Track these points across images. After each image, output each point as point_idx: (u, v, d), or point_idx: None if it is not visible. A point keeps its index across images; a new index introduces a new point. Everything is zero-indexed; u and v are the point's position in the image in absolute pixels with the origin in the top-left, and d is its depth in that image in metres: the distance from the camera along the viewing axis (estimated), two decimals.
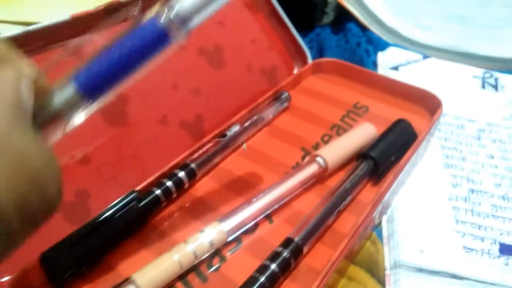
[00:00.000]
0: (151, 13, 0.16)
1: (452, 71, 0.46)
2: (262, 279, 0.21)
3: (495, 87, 0.44)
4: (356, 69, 0.38)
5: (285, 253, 0.23)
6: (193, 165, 0.28)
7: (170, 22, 0.16)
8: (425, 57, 0.48)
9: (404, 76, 0.44)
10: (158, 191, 0.26)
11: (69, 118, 0.15)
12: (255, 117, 0.33)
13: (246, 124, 0.32)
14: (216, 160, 0.30)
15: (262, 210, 0.26)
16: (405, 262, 0.26)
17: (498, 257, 0.27)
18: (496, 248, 0.28)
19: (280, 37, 0.42)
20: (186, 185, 0.28)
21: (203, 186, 0.29)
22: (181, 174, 0.27)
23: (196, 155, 0.29)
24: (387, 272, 0.26)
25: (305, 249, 0.24)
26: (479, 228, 0.29)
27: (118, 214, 0.24)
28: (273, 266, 0.22)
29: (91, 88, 0.15)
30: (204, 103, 0.34)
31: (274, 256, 0.23)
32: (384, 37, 0.52)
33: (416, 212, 0.30)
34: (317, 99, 0.37)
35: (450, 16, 0.58)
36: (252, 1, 0.40)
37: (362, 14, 0.54)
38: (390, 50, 0.48)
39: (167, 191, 0.26)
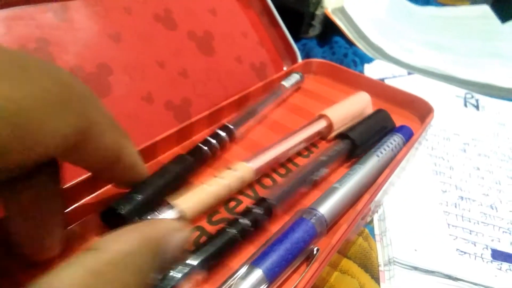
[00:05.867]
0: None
1: (435, 89, 0.47)
2: (234, 231, 0.21)
3: (477, 107, 0.45)
4: (347, 72, 0.38)
5: (258, 210, 0.22)
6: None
7: (317, 221, 0.22)
8: (410, 73, 0.48)
9: None
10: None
11: None
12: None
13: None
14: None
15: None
16: (400, 259, 0.25)
17: (491, 261, 0.26)
18: (488, 253, 0.27)
19: (270, 35, 0.41)
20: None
21: None
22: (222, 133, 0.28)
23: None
24: (381, 268, 0.25)
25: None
26: (470, 233, 0.28)
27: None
28: (245, 221, 0.21)
29: (272, 273, 0.19)
30: (192, 86, 0.32)
31: (245, 212, 0.22)
32: (369, 53, 0.52)
33: (407, 213, 0.29)
34: (307, 96, 0.36)
35: (430, 43, 0.60)
36: None
37: (348, 30, 0.54)
38: (377, 62, 0.48)
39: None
